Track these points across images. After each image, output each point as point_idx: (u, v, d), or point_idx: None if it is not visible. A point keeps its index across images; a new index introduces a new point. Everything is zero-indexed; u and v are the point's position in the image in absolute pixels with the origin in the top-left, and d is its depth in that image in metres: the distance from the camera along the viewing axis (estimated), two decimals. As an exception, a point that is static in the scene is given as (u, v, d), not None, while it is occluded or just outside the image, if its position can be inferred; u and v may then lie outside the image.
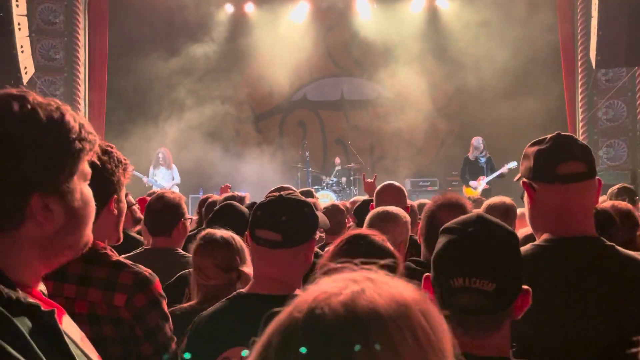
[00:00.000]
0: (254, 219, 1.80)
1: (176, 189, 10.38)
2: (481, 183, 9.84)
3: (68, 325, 1.02)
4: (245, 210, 2.70)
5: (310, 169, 11.92)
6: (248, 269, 2.19)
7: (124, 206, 1.92)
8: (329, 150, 13.04)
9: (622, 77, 10.08)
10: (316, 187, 11.10)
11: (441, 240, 1.34)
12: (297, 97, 13.26)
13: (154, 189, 8.31)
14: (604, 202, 3.54)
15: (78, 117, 1.02)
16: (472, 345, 1.25)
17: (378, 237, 1.91)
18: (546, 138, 1.72)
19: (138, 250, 2.95)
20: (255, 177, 11.06)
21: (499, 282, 1.24)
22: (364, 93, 13.09)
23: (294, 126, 13.21)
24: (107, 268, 1.79)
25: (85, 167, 1.03)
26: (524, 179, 1.75)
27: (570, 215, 1.68)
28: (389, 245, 1.90)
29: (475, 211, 1.48)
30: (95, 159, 1.07)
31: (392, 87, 12.35)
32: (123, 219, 1.93)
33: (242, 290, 1.83)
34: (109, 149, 1.84)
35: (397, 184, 3.65)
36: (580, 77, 10.38)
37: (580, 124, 10.44)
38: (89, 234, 1.06)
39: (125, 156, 1.90)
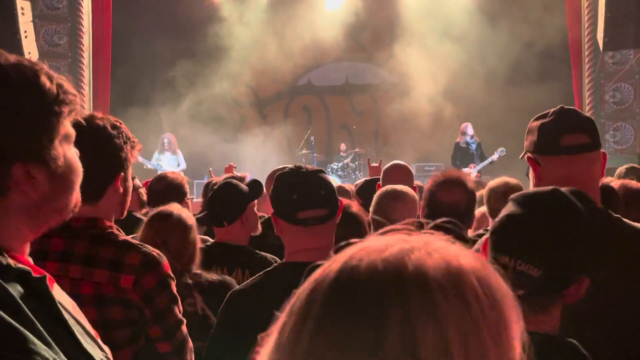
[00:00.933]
0: (292, 202, 1.73)
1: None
2: (472, 171, 9.82)
3: (59, 293, 1.00)
4: (244, 187, 2.70)
5: (315, 154, 11.91)
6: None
7: (130, 185, 1.86)
8: (333, 135, 13.02)
9: (629, 59, 9.99)
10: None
11: (505, 209, 1.28)
12: (301, 82, 13.22)
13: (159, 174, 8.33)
14: (612, 181, 3.51)
15: (55, 76, 0.97)
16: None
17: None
18: (549, 112, 1.71)
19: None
20: (260, 162, 11.06)
21: (547, 269, 1.18)
22: (368, 78, 13.04)
23: (299, 111, 13.18)
24: (113, 248, 1.74)
25: (68, 129, 0.98)
26: (529, 154, 1.74)
27: (576, 186, 1.67)
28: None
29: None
30: (80, 119, 1.02)
31: (397, 72, 12.29)
32: (129, 198, 1.87)
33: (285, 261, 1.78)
34: (118, 124, 1.78)
35: (403, 163, 3.64)
36: (587, 60, 10.29)
37: (587, 107, 10.37)
38: (76, 198, 1.02)
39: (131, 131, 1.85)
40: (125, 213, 1.91)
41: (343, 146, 12.11)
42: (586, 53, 10.23)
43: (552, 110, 1.72)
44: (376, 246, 0.57)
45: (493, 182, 3.51)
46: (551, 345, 1.18)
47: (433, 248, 0.57)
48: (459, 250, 0.58)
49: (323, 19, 12.19)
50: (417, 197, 2.65)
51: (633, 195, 2.96)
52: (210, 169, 6.04)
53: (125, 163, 1.80)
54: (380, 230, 0.61)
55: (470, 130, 10.15)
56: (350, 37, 12.70)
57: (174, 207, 2.29)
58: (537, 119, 1.73)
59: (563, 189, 1.28)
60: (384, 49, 12.30)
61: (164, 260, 1.80)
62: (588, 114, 10.82)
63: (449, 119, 11.82)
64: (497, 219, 1.28)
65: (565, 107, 1.72)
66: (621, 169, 4.42)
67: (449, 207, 2.25)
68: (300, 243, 1.75)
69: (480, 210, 3.48)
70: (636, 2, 8.09)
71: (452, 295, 0.53)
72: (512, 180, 3.58)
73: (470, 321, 0.53)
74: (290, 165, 1.88)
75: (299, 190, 1.74)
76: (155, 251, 1.80)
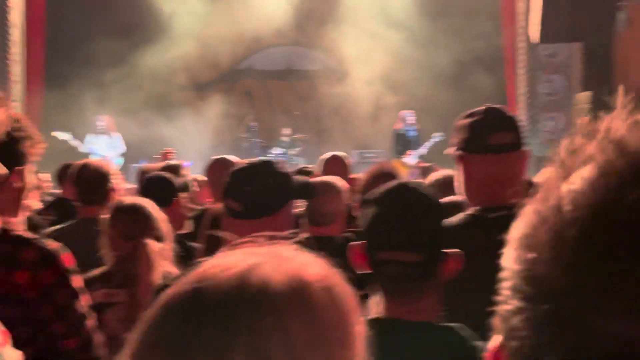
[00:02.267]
0: (225, 187, 1.78)
1: (118, 158, 10.14)
2: (411, 158, 10.00)
3: None
4: (175, 180, 2.64)
5: (256, 139, 11.83)
6: (153, 239, 2.12)
7: (30, 183, 1.78)
8: (275, 120, 12.96)
9: (562, 52, 10.36)
10: (262, 157, 11.03)
11: (367, 212, 1.35)
12: (243, 66, 13.06)
13: (92, 157, 8.08)
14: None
15: None
16: (402, 310, 1.29)
17: None
18: (477, 110, 1.75)
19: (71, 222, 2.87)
20: (200, 147, 10.91)
21: (423, 253, 1.28)
22: (310, 63, 13.01)
23: (240, 96, 13.04)
24: (6, 244, 1.66)
25: None
26: (457, 151, 1.77)
27: (501, 184, 1.72)
28: None
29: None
30: None
31: (338, 58, 12.32)
32: (25, 195, 1.78)
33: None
34: (20, 118, 1.72)
35: (341, 154, 3.66)
36: (521, 52, 10.61)
37: (521, 98, 10.72)
38: None
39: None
40: (23, 212, 1.81)
41: (286, 131, 12.07)
42: (520, 45, 10.54)
43: (480, 108, 1.75)
44: (223, 264, 0.57)
45: (435, 174, 3.61)
46: (434, 332, 1.29)
47: (280, 261, 0.58)
48: (306, 260, 0.60)
49: (265, 2, 12.05)
50: (345, 187, 2.65)
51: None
52: (170, 150, 5.82)
53: (22, 158, 1.73)
54: (232, 243, 0.62)
55: (410, 118, 10.29)
56: (292, 22, 12.62)
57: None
58: (466, 117, 1.77)
59: (410, 183, 1.40)
60: (326, 34, 12.29)
61: (64, 254, 1.74)
62: (522, 105, 11.24)
63: (390, 107, 11.95)
64: (366, 222, 1.35)
65: (492, 106, 1.76)
66: None
67: None
68: (230, 237, 1.75)
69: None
70: (569, -3, 8.38)
71: (297, 308, 0.54)
72: (450, 172, 3.68)
73: (317, 332, 0.55)
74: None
75: (231, 176, 1.78)
76: (53, 245, 1.74)
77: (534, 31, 8.79)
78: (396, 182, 1.39)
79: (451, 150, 1.83)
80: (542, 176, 3.36)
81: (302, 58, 13.08)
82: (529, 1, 9.64)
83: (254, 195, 1.73)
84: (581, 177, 0.40)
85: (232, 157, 3.43)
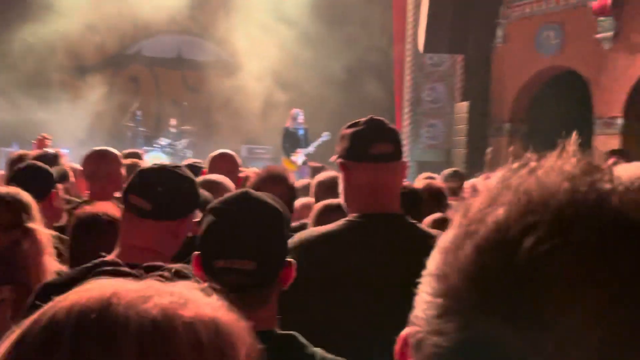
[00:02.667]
0: (129, 183, 1.73)
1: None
2: (299, 156, 10.17)
3: None
4: (51, 171, 2.52)
5: (141, 128, 11.44)
6: (38, 226, 2.03)
7: None
8: (163, 110, 12.60)
9: (445, 62, 10.96)
10: (147, 147, 10.69)
11: (205, 220, 1.36)
12: (131, 51, 12.57)
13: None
14: (419, 181, 3.90)
15: None
16: None
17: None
18: (361, 121, 1.84)
19: None
20: (81, 133, 10.37)
21: (260, 261, 1.29)
22: (202, 53, 12.78)
23: (126, 82, 12.54)
24: None
25: None
26: (340, 160, 1.85)
27: (379, 193, 1.81)
28: None
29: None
30: None
31: (231, 50, 12.19)
32: None
33: (105, 258, 1.70)
34: None
35: (230, 152, 3.64)
36: (408, 60, 11.10)
37: (406, 104, 11.21)
38: None
39: None
40: None
41: (173, 121, 11.76)
42: (408, 53, 11.02)
43: (363, 119, 1.84)
44: (86, 296, 0.55)
45: (321, 176, 3.69)
46: (272, 340, 1.29)
47: (158, 294, 0.56)
48: (191, 298, 0.58)
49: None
50: (233, 186, 2.67)
51: (435, 193, 3.30)
52: (46, 136, 5.39)
53: None
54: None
55: (300, 116, 10.42)
56: (186, 9, 12.33)
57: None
58: (349, 127, 1.85)
59: (252, 192, 1.40)
60: (219, 24, 12.12)
61: None
62: (407, 110, 11.73)
63: (280, 103, 12.04)
64: (200, 232, 1.37)
65: (375, 117, 1.85)
66: (446, 172, 5.03)
67: None
68: (123, 234, 1.73)
69: (301, 201, 3.63)
70: (453, 10, 8.87)
71: (142, 346, 0.52)
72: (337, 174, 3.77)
73: None
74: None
75: (141, 174, 1.76)
76: None
77: (420, 40, 9.24)
78: (239, 191, 1.40)
79: (334, 158, 1.90)
80: (421, 182, 3.55)
81: (193, 47, 12.81)
82: (418, 12, 10.09)
83: (166, 197, 1.70)
84: (493, 217, 0.43)
85: (113, 150, 3.31)
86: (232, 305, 1.24)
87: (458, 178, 4.74)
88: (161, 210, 1.70)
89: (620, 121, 9.06)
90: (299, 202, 3.19)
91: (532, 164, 0.45)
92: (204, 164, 3.65)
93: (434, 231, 1.97)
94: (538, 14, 10.03)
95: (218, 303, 0.60)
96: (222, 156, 3.51)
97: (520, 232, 0.41)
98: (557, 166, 0.44)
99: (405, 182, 3.39)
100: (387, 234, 1.79)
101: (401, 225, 1.80)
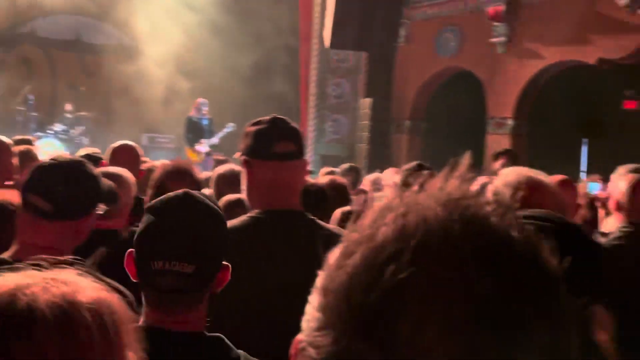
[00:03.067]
0: (28, 180, 1.67)
1: None
2: (203, 147, 10.07)
3: None
4: None
5: (34, 113, 10.84)
6: None
7: None
8: (59, 94, 11.99)
9: (350, 59, 11.21)
10: (40, 133, 10.16)
11: (144, 220, 1.36)
12: (23, 30, 11.85)
13: None
14: (323, 177, 4.01)
15: None
16: (169, 321, 1.30)
17: None
18: (264, 119, 1.89)
19: None
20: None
21: (198, 264, 1.29)
22: (103, 37, 12.28)
23: (17, 63, 11.81)
24: None
25: None
26: (243, 157, 1.90)
27: (281, 190, 1.88)
28: None
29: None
30: None
31: (133, 35, 11.80)
32: None
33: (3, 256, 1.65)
34: None
35: (131, 143, 3.56)
36: (314, 55, 11.24)
37: (312, 99, 11.36)
38: None
39: None
40: None
41: (68, 106, 11.23)
42: (315, 47, 11.16)
43: (267, 118, 1.89)
44: None
45: (221, 168, 3.66)
46: (201, 343, 1.32)
47: (51, 285, 0.60)
48: (83, 285, 0.63)
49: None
50: (133, 179, 2.63)
51: (339, 189, 3.42)
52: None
53: None
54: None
55: (204, 106, 10.29)
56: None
57: None
58: (253, 125, 1.89)
59: (193, 193, 1.41)
60: (120, 7, 11.68)
61: None
62: (312, 105, 11.85)
63: (183, 92, 11.81)
64: (138, 230, 1.37)
65: (278, 116, 1.91)
66: (344, 166, 5.22)
67: None
68: (20, 233, 1.69)
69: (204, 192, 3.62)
70: (359, 7, 9.09)
71: (62, 332, 0.57)
72: (238, 168, 3.78)
73: (79, 352, 0.58)
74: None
75: (39, 171, 1.72)
76: None
77: (327, 36, 9.39)
78: (180, 191, 1.39)
79: (238, 155, 1.94)
80: (324, 178, 3.66)
81: (92, 30, 12.28)
82: (325, 8, 10.24)
83: (68, 197, 1.67)
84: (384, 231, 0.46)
85: (3, 138, 3.16)
86: (164, 306, 1.24)
87: (354, 172, 4.93)
88: (63, 211, 1.67)
89: (510, 122, 9.68)
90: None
91: (416, 187, 0.48)
92: (105, 155, 3.56)
93: (334, 228, 2.07)
94: (438, 16, 10.49)
95: (100, 285, 0.65)
96: (123, 147, 3.43)
97: (387, 257, 0.44)
98: (437, 190, 0.48)
99: (310, 179, 3.49)
100: (289, 230, 1.86)
101: (302, 221, 1.88)
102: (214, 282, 1.34)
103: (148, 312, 1.32)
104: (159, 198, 1.40)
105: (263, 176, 1.86)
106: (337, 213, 2.93)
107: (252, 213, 1.87)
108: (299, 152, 1.90)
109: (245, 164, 1.89)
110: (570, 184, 2.68)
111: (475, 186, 0.48)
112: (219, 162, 5.87)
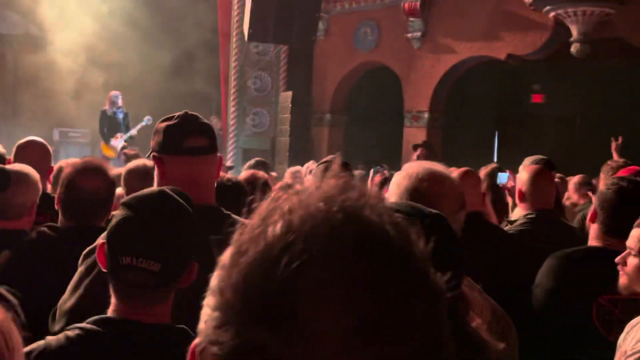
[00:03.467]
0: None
1: None
2: (119, 141, 9.82)
3: None
4: None
5: None
6: None
7: None
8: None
9: (270, 51, 11.20)
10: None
11: (118, 214, 1.39)
12: None
13: None
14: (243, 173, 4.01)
15: None
16: (136, 313, 1.35)
17: None
18: (174, 115, 1.89)
19: None
20: None
21: (165, 262, 1.34)
22: (8, 26, 11.65)
23: None
24: None
25: None
26: (154, 154, 1.88)
27: (194, 185, 1.87)
28: None
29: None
30: None
31: (41, 23, 11.25)
32: None
33: None
34: None
35: (39, 140, 3.41)
36: (234, 47, 11.15)
37: (232, 91, 11.28)
38: None
39: None
40: None
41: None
42: (234, 39, 11.07)
43: (178, 114, 1.89)
44: None
45: (132, 164, 3.58)
46: (168, 333, 1.37)
47: None
48: None
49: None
50: (37, 176, 2.54)
51: (259, 184, 3.44)
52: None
53: None
54: None
55: (119, 100, 10.00)
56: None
57: None
58: (163, 121, 1.89)
59: (167, 189, 1.46)
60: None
61: None
62: (233, 98, 11.72)
63: (96, 84, 11.40)
64: (111, 223, 1.40)
65: (189, 112, 1.91)
66: (252, 162, 5.21)
67: (88, 194, 2.27)
68: None
69: (118, 191, 3.53)
70: (278, 1, 9.10)
71: None
72: (149, 162, 3.72)
73: None
74: None
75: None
76: None
77: (246, 29, 9.35)
78: (156, 189, 1.43)
79: (150, 153, 1.93)
80: (245, 173, 3.66)
81: (-3, 18, 11.62)
82: (244, 1, 10.17)
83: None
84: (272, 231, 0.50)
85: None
86: (131, 299, 1.25)
87: (261, 167, 4.92)
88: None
89: (426, 115, 10.00)
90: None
91: (298, 186, 0.53)
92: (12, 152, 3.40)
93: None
94: (356, 10, 10.67)
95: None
96: (30, 144, 3.29)
97: (280, 250, 0.49)
98: (318, 187, 0.52)
99: (229, 175, 3.49)
100: (205, 226, 1.87)
101: (218, 217, 1.89)
102: (180, 279, 1.38)
103: (116, 303, 1.37)
104: (135, 194, 1.42)
105: (175, 172, 1.86)
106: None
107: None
108: (212, 147, 1.91)
109: (157, 160, 1.88)
110: (473, 175, 2.82)
111: (349, 182, 0.53)
112: (130, 158, 5.73)
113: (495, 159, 11.14)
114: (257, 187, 3.31)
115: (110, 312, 1.37)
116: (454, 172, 2.83)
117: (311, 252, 0.48)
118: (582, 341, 2.06)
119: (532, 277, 2.35)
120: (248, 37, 9.36)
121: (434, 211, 1.27)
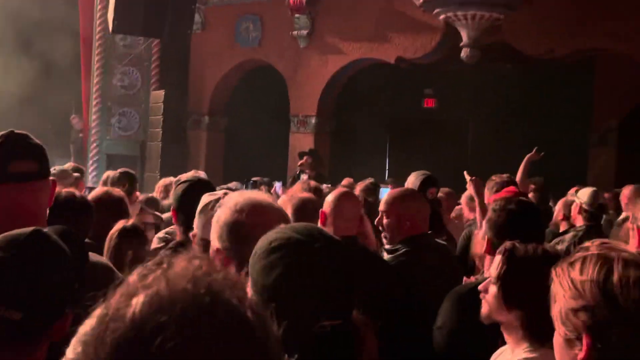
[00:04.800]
0: None
1: None
2: None
3: None
4: None
5: None
6: None
7: None
8: None
9: (139, 45, 10.84)
10: None
11: None
12: None
13: None
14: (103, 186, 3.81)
15: None
16: None
17: None
18: (-1, 135, 1.75)
19: None
20: None
21: (28, 311, 1.28)
22: None
23: None
24: None
25: None
26: None
27: (21, 217, 1.74)
28: None
29: None
30: None
31: None
32: None
33: None
34: None
35: None
36: (97, 39, 10.68)
37: (94, 89, 10.79)
38: None
39: None
40: None
41: None
42: (97, 30, 10.60)
43: (2, 133, 1.75)
44: None
45: None
46: None
47: None
48: None
49: None
50: None
51: (113, 204, 3.26)
52: None
53: None
54: None
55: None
56: None
57: None
58: None
59: (49, 228, 1.41)
60: None
61: None
62: (95, 97, 11.20)
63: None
64: None
65: (16, 131, 1.78)
66: (115, 175, 4.72)
67: None
68: None
69: None
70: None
71: None
72: None
73: None
74: None
75: None
76: None
77: (110, 19, 8.99)
78: (29, 229, 1.36)
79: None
80: (97, 190, 3.48)
81: None
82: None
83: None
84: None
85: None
86: None
87: (127, 180, 4.54)
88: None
89: (313, 120, 10.11)
90: None
91: (165, 265, 0.62)
92: None
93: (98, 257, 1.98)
94: (237, 2, 10.58)
95: None
96: None
97: (152, 330, 0.56)
98: (184, 267, 0.61)
99: (72, 189, 3.29)
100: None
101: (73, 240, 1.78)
102: (50, 331, 1.32)
103: None
104: (5, 234, 1.37)
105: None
106: (115, 230, 2.85)
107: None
108: (42, 172, 1.79)
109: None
110: (350, 197, 2.84)
111: (208, 264, 0.63)
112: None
113: (387, 166, 11.49)
114: (109, 209, 3.14)
115: None
116: (332, 193, 2.84)
117: (185, 335, 0.57)
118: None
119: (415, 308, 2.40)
120: (112, 29, 9.00)
121: (327, 234, 1.35)
